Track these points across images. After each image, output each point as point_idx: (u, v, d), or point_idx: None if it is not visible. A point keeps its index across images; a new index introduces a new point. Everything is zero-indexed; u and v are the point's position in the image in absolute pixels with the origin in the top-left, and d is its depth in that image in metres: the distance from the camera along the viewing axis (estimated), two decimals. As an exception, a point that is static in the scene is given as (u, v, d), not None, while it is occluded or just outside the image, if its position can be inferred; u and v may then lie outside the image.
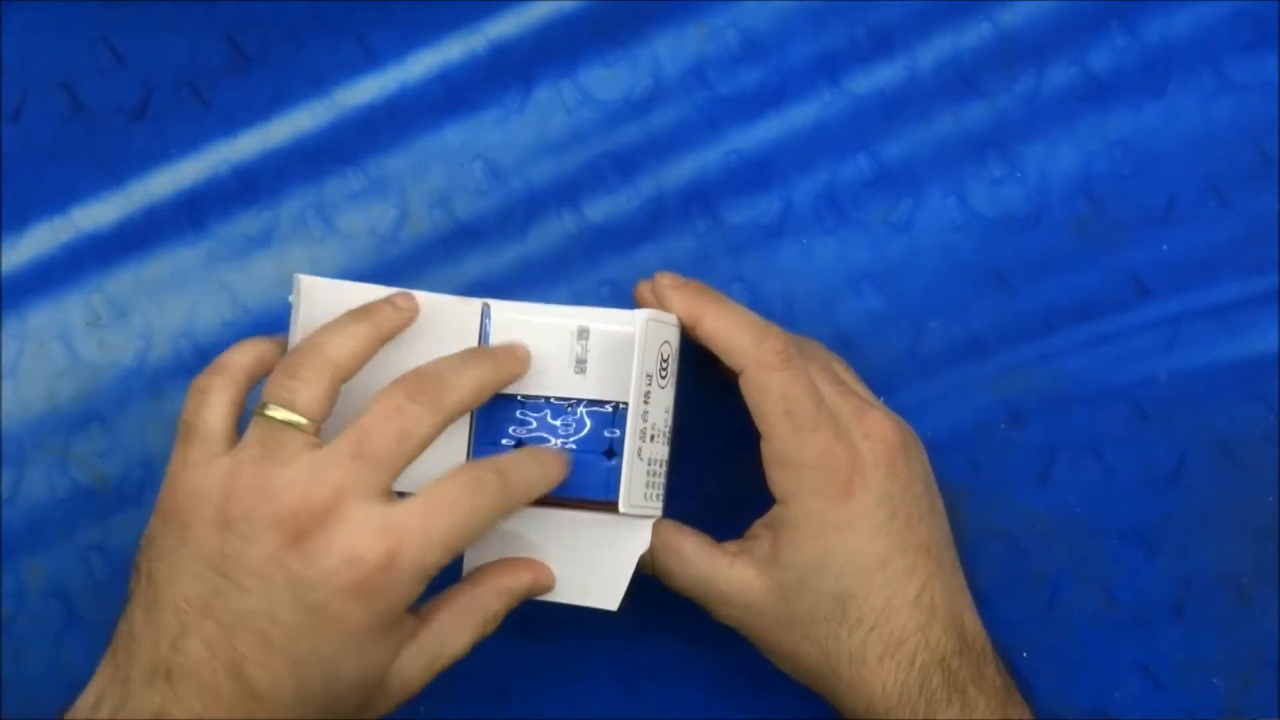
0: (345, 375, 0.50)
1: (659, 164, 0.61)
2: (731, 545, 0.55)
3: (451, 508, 0.48)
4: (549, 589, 0.54)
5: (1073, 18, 0.62)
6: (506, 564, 0.54)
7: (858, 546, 0.52)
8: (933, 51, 0.62)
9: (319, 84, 0.62)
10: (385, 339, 0.51)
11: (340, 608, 0.47)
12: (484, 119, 0.62)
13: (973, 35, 0.62)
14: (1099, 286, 0.61)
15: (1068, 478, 0.60)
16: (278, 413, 0.48)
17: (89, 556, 0.60)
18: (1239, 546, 0.60)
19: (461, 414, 0.51)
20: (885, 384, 0.60)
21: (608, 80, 0.62)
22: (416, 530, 0.47)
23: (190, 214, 0.61)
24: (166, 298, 0.61)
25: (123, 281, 0.61)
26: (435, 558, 0.48)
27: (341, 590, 0.47)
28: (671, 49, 0.62)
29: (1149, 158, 0.61)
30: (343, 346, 0.50)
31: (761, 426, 0.53)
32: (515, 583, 0.53)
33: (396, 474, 0.48)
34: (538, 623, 0.60)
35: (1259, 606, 0.60)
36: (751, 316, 0.54)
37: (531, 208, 0.61)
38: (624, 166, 0.61)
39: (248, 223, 0.61)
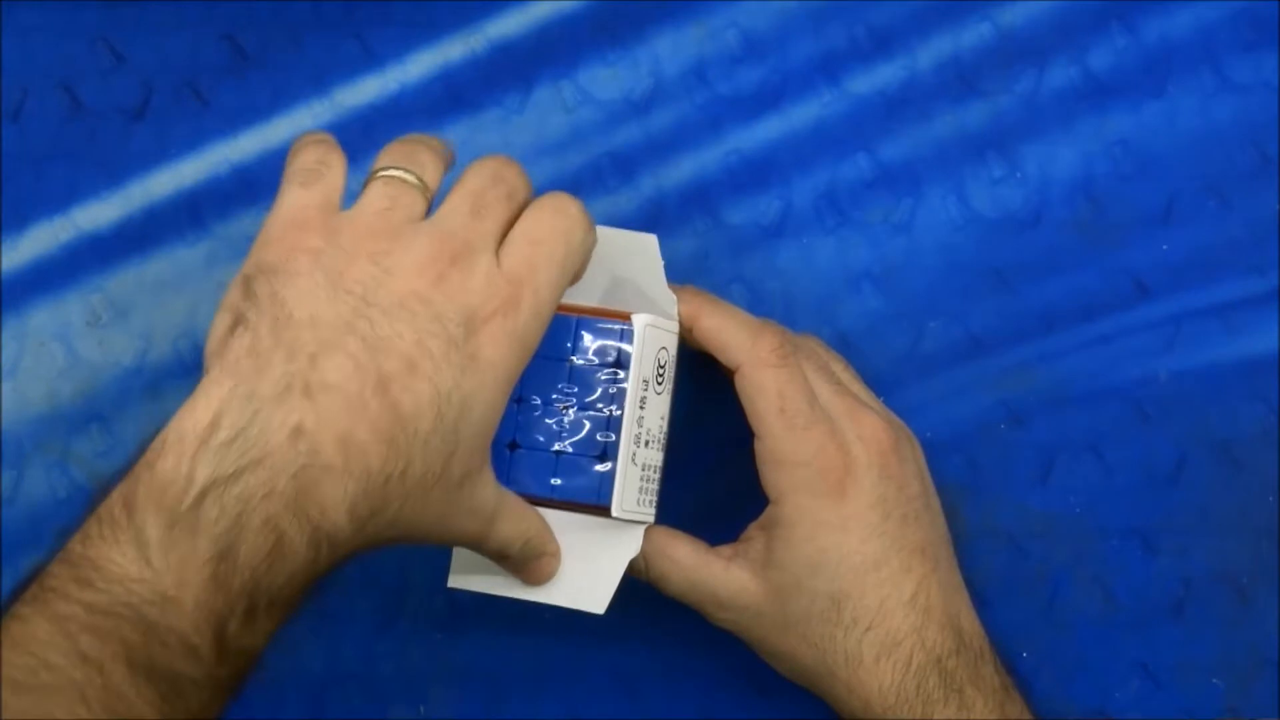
0: (447, 170, 0.51)
1: (659, 164, 0.61)
2: (725, 549, 0.54)
3: (550, 247, 0.48)
4: (548, 574, 0.53)
5: (1073, 18, 0.62)
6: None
7: (851, 547, 0.52)
8: (933, 51, 0.62)
9: (319, 84, 0.62)
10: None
11: (483, 344, 0.46)
12: (484, 119, 0.62)
13: (973, 35, 0.62)
14: (1099, 286, 0.61)
15: (1068, 478, 0.60)
16: (407, 176, 0.49)
17: (89, 556, 0.60)
18: (1239, 546, 0.60)
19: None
20: (885, 384, 0.60)
21: (608, 80, 0.62)
22: (531, 275, 0.48)
23: (190, 214, 0.61)
24: (166, 298, 0.61)
25: (123, 281, 0.61)
26: (550, 295, 0.48)
27: (486, 326, 0.46)
28: (671, 49, 0.62)
29: (1149, 158, 0.61)
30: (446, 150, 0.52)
31: (755, 425, 0.53)
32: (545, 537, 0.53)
33: (505, 232, 0.49)
34: (537, 623, 0.60)
35: (1259, 606, 0.60)
36: (748, 315, 0.54)
37: (531, 208, 0.61)
38: (624, 166, 0.62)
39: (248, 223, 0.61)
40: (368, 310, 0.45)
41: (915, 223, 0.61)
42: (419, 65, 0.62)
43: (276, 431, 0.43)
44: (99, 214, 0.61)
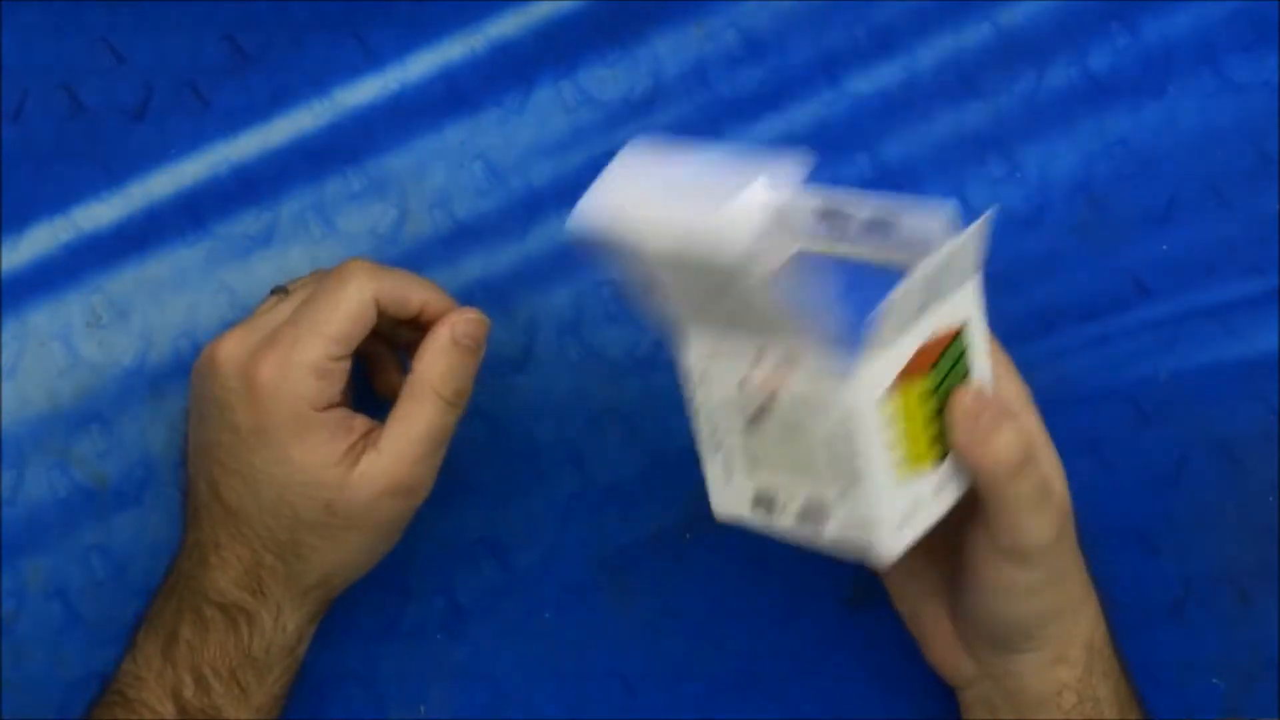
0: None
1: (659, 164, 0.61)
2: None
3: (312, 317, 0.53)
4: (478, 327, 0.54)
5: (1073, 18, 0.62)
6: (430, 335, 0.54)
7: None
8: (933, 51, 0.62)
9: (319, 84, 0.62)
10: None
11: (241, 417, 0.52)
12: (484, 119, 0.62)
13: (973, 35, 0.62)
14: (1099, 286, 0.61)
15: (1068, 478, 0.60)
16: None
17: (89, 556, 0.60)
18: (1239, 546, 0.60)
19: None
20: (885, 384, 0.60)
21: (608, 80, 0.62)
22: (277, 347, 0.52)
23: (190, 214, 0.61)
24: (166, 298, 0.61)
25: (123, 281, 0.61)
26: (306, 356, 0.52)
27: (251, 404, 0.52)
28: (671, 49, 0.62)
29: (1149, 158, 0.61)
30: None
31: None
32: (444, 342, 0.53)
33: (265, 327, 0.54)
34: (537, 623, 0.60)
35: (1259, 606, 0.60)
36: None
37: (531, 208, 0.61)
38: (624, 166, 0.61)
39: (248, 223, 0.61)
40: (199, 424, 0.55)
41: (915, 223, 0.61)
42: (419, 65, 0.62)
43: (189, 549, 0.54)
44: (99, 214, 0.61)
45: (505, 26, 0.62)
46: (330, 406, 0.52)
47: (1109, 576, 0.60)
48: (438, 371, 0.53)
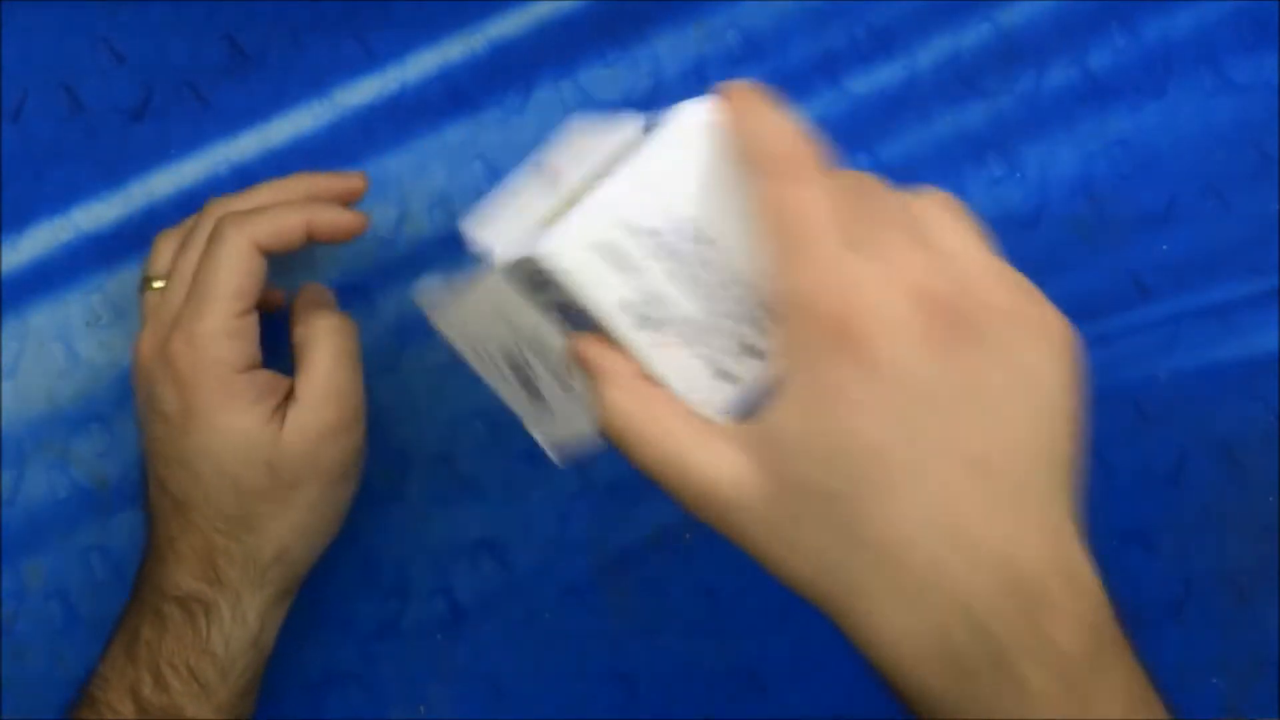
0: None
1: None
2: (725, 424, 0.41)
3: (203, 286, 0.53)
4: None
5: (1073, 18, 0.62)
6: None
7: (863, 434, 0.37)
8: (933, 51, 0.62)
9: (319, 84, 0.62)
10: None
11: (169, 404, 0.52)
12: (484, 119, 0.62)
13: (973, 35, 0.62)
14: (1099, 286, 0.61)
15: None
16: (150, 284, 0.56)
17: (89, 556, 0.60)
18: (1239, 546, 0.60)
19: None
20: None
21: (608, 80, 0.62)
22: (182, 325, 0.52)
23: (190, 214, 0.61)
24: (166, 298, 0.61)
25: (123, 281, 0.61)
26: (210, 323, 0.52)
27: (172, 387, 0.52)
28: (671, 49, 0.62)
29: (1149, 158, 0.61)
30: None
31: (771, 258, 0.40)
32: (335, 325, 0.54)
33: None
34: (537, 623, 0.60)
35: (1259, 606, 0.60)
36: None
37: (531, 208, 0.61)
38: (624, 166, 0.61)
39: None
40: (143, 423, 0.55)
41: (915, 223, 0.61)
42: (419, 65, 0.62)
43: (146, 550, 0.55)
44: (99, 214, 0.61)
45: (505, 26, 0.62)
46: (251, 367, 0.53)
47: (1109, 576, 0.60)
48: (315, 312, 0.54)
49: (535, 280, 0.41)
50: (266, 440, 0.52)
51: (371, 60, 0.62)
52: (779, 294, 0.39)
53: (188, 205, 0.61)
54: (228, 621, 0.53)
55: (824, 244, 0.38)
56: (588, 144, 0.43)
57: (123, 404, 0.60)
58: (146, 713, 0.52)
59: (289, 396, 0.53)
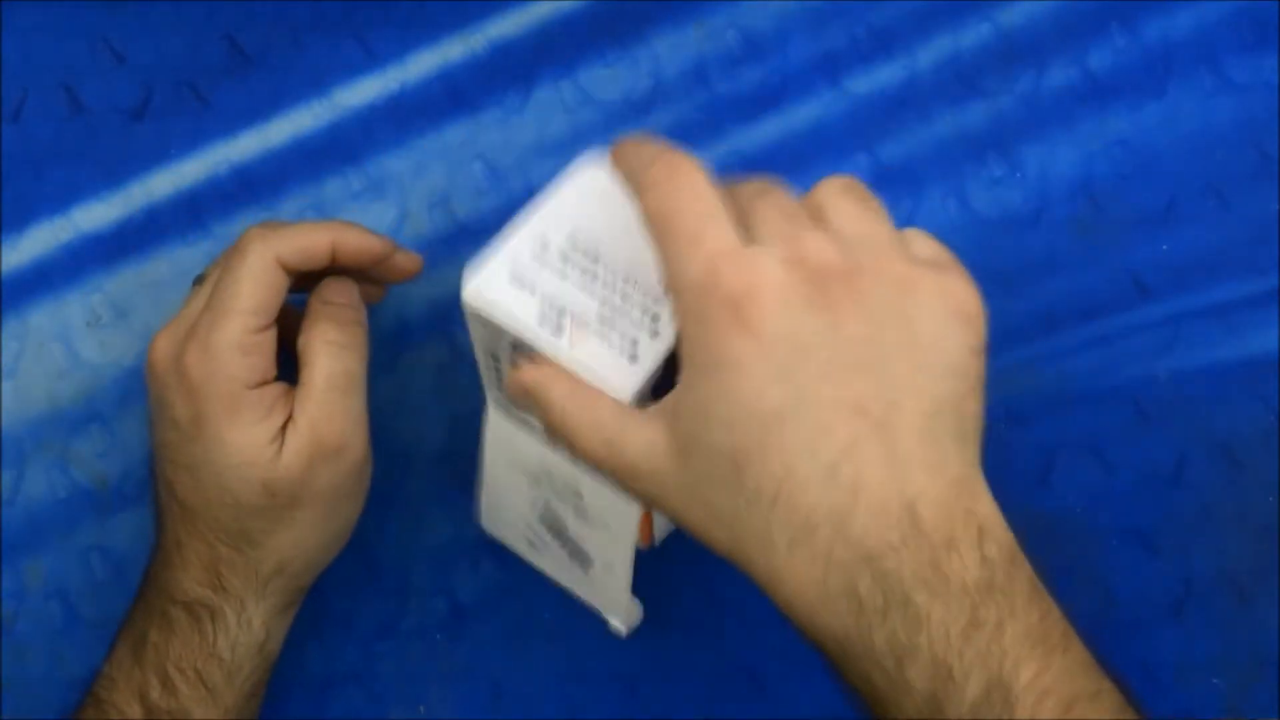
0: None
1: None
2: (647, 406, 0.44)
3: (221, 298, 0.53)
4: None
5: (1073, 18, 0.62)
6: (316, 294, 0.55)
7: (750, 391, 0.40)
8: (933, 51, 0.62)
9: (319, 84, 0.62)
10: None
11: (179, 411, 0.52)
12: (484, 119, 0.62)
13: (973, 35, 0.62)
14: (1099, 286, 0.61)
15: (1068, 478, 0.60)
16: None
17: (89, 556, 0.60)
18: (1239, 546, 0.60)
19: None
20: (885, 384, 0.60)
21: (608, 80, 0.62)
22: (198, 334, 0.52)
23: (190, 214, 0.61)
24: (166, 298, 0.61)
25: (123, 281, 0.61)
26: (225, 336, 0.52)
27: (182, 398, 0.52)
28: (671, 49, 0.62)
29: (1149, 158, 0.61)
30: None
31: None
32: (329, 295, 0.54)
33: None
34: (537, 623, 0.60)
35: (1259, 606, 0.60)
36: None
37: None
38: (624, 166, 0.61)
39: (248, 223, 0.61)
40: (153, 425, 0.55)
41: (915, 223, 0.61)
42: (419, 65, 0.62)
43: (154, 550, 0.55)
44: (99, 214, 0.61)
45: (505, 26, 0.62)
46: (263, 383, 0.52)
47: (1109, 576, 0.60)
48: (317, 328, 0.53)
49: (493, 344, 0.48)
50: (265, 460, 0.52)
51: (371, 60, 0.62)
52: (675, 285, 0.42)
53: (188, 205, 0.61)
54: (233, 627, 0.53)
55: (710, 230, 0.42)
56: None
57: (123, 404, 0.60)
58: (154, 715, 0.52)
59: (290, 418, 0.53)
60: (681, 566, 0.60)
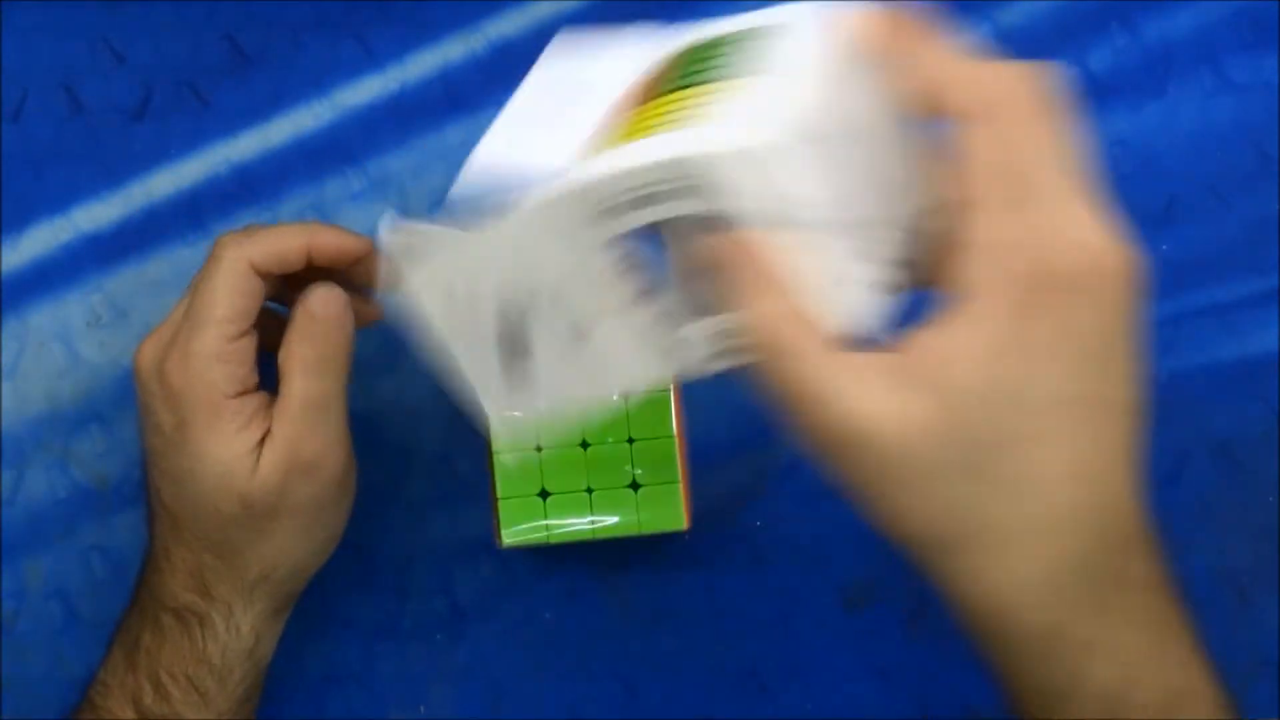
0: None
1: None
2: (865, 357, 0.39)
3: (197, 306, 0.52)
4: (331, 301, 0.53)
5: (1073, 18, 0.62)
6: (299, 304, 0.53)
7: (1040, 378, 0.38)
8: (933, 51, 0.62)
9: (319, 84, 0.62)
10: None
11: (163, 418, 0.52)
12: (484, 119, 0.62)
13: (973, 35, 0.62)
14: (1099, 286, 0.61)
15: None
16: None
17: (89, 556, 0.60)
18: (1239, 546, 0.60)
19: None
20: (885, 384, 0.60)
21: (608, 80, 0.62)
22: (177, 343, 0.52)
23: (190, 214, 0.61)
24: (166, 298, 0.61)
25: (123, 281, 0.61)
26: (201, 345, 0.52)
27: (162, 402, 0.52)
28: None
29: (1149, 158, 0.61)
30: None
31: (970, 190, 0.39)
32: (311, 310, 0.53)
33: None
34: (537, 623, 0.60)
35: (1259, 606, 0.60)
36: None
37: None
38: (624, 166, 0.61)
39: (248, 223, 0.61)
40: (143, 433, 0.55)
41: (915, 223, 0.61)
42: (419, 65, 0.62)
43: (146, 557, 0.55)
44: (99, 214, 0.61)
45: (505, 26, 0.62)
46: (244, 392, 0.52)
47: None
48: (296, 344, 0.52)
49: (620, 204, 0.40)
50: (243, 472, 0.51)
51: (371, 60, 0.62)
52: (990, 238, 0.38)
53: (188, 205, 0.61)
54: (222, 633, 0.53)
55: (1053, 193, 0.39)
56: (609, 58, 0.43)
57: (123, 404, 0.60)
58: None
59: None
60: (682, 566, 0.60)
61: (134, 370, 0.54)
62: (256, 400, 0.52)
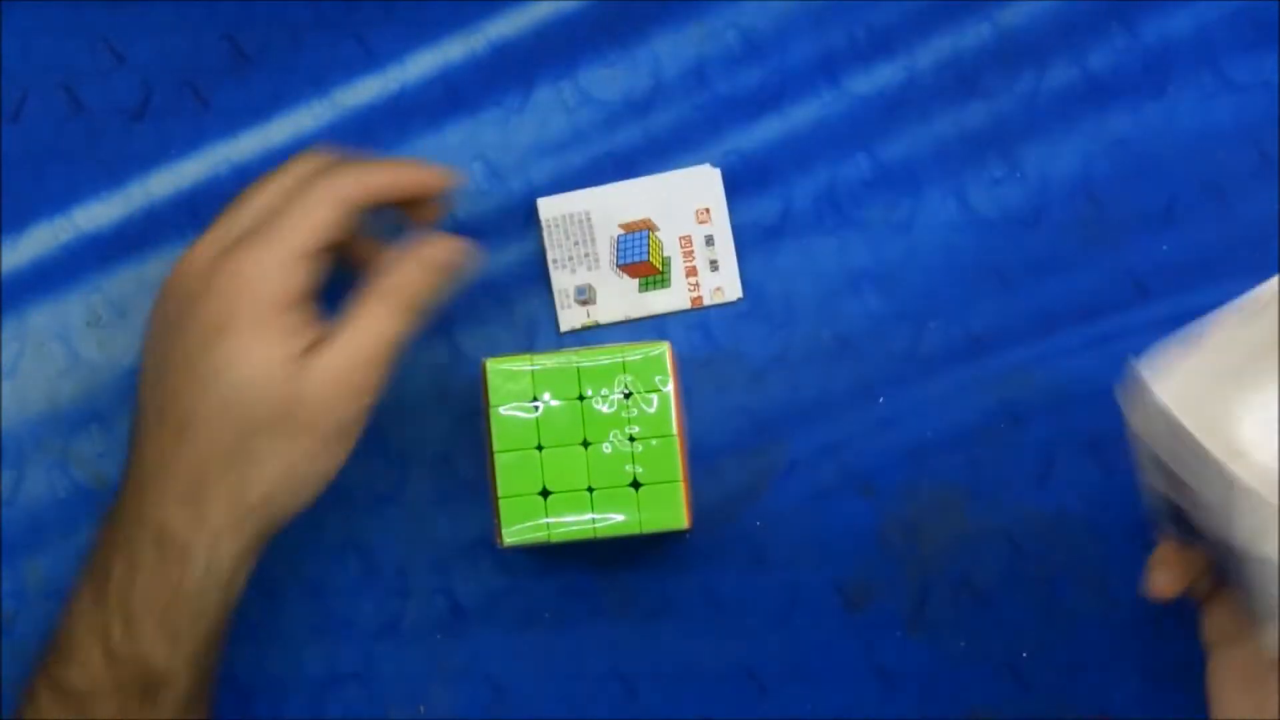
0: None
1: (659, 164, 0.61)
2: None
3: (275, 221, 0.53)
4: (460, 256, 0.55)
5: (1073, 18, 0.62)
6: (411, 249, 0.55)
7: None
8: (933, 51, 0.62)
9: (319, 84, 0.62)
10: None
11: (207, 314, 0.52)
12: (484, 119, 0.62)
13: (973, 35, 0.62)
14: (1099, 286, 0.61)
15: (1068, 478, 0.60)
16: None
17: (89, 556, 0.60)
18: (1239, 546, 0.60)
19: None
20: (885, 384, 0.60)
21: (608, 80, 0.62)
22: (251, 245, 0.52)
23: (190, 214, 0.61)
24: (166, 298, 0.61)
25: (123, 281, 0.61)
26: (269, 255, 0.52)
27: (215, 304, 0.52)
28: (671, 49, 0.62)
29: (1149, 158, 0.61)
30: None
31: None
32: (433, 254, 0.55)
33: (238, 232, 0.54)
34: (537, 623, 0.60)
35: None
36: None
37: (531, 208, 0.61)
38: (624, 166, 0.61)
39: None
40: (157, 338, 0.54)
41: (915, 223, 0.61)
42: (419, 65, 0.62)
43: (124, 470, 0.54)
44: (99, 214, 0.61)
45: (505, 26, 0.62)
46: (294, 307, 0.52)
47: (1109, 576, 0.60)
48: (409, 283, 0.54)
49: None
50: (285, 376, 0.52)
51: (371, 60, 0.62)
52: None
53: (188, 205, 0.61)
54: (201, 565, 0.52)
55: None
56: None
57: (123, 404, 0.60)
58: (115, 661, 0.51)
59: (325, 337, 0.53)
60: (682, 566, 0.60)
61: (178, 272, 0.53)
62: (308, 314, 0.53)
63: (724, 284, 0.60)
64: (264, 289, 0.51)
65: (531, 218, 0.61)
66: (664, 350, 0.55)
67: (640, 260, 0.59)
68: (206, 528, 0.52)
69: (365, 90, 0.62)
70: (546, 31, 0.62)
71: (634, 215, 0.60)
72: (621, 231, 0.59)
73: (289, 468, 0.52)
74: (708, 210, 0.59)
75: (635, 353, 0.55)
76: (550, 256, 0.60)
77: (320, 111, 0.62)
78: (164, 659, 0.52)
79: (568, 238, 0.59)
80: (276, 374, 0.51)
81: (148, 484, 0.52)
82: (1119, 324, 0.61)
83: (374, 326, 0.53)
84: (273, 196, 0.54)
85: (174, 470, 0.52)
